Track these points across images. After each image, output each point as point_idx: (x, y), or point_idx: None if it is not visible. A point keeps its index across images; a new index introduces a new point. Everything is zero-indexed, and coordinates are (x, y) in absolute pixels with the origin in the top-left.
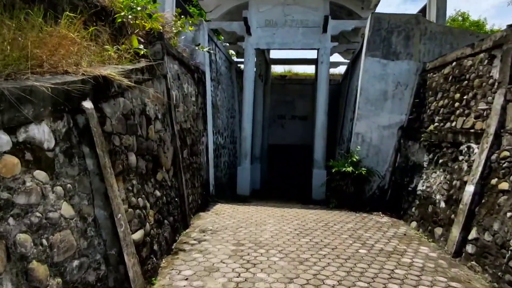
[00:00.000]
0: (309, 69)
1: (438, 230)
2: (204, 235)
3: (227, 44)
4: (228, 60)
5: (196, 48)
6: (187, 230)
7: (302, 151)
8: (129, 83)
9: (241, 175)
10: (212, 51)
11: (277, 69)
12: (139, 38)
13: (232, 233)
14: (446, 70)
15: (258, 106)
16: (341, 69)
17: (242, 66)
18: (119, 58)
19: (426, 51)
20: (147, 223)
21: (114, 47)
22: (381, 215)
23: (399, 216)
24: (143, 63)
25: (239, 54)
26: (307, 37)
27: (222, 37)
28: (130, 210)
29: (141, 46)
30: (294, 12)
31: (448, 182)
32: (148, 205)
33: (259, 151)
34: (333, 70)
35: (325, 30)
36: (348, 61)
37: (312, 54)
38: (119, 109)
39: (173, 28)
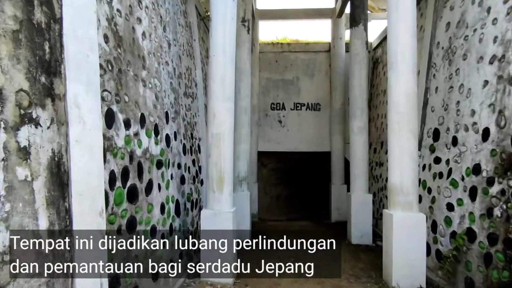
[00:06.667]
0: (315, 35)
1: None
2: None
3: None
4: None
5: None
6: None
7: (315, 163)
8: None
9: (209, 231)
10: None
11: (264, 36)
12: None
13: None
14: None
15: (243, 79)
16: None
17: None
18: None
19: None
20: None
21: None
22: None
23: None
24: None
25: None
26: None
27: None
28: None
29: None
30: None
31: None
32: None
33: (245, 167)
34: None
35: None
36: None
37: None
38: None
39: None
